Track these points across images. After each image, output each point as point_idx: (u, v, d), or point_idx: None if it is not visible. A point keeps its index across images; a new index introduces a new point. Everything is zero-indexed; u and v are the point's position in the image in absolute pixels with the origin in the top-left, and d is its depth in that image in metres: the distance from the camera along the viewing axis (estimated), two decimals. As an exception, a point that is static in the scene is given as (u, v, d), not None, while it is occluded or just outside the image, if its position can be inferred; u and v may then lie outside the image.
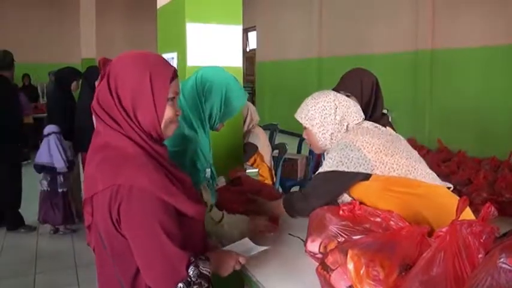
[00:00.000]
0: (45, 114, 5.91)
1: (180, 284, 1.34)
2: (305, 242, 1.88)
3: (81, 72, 5.31)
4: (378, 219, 1.69)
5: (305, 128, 2.07)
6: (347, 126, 2.01)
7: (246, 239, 1.85)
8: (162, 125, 1.42)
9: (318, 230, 1.81)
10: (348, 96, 2.47)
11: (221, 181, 2.44)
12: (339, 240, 1.70)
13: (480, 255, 1.22)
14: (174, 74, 1.45)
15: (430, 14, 8.17)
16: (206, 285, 1.39)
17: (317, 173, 2.02)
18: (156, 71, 1.39)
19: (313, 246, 1.80)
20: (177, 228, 1.37)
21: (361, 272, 1.38)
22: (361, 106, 2.46)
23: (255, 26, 14.39)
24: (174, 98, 1.45)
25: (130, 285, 1.41)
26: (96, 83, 1.46)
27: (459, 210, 1.31)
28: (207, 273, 1.39)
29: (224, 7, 2.75)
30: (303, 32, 11.91)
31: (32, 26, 13.71)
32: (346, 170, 1.89)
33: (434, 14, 8.14)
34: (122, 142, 1.38)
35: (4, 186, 4.86)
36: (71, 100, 5.15)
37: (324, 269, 1.54)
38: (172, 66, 1.48)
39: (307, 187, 2.09)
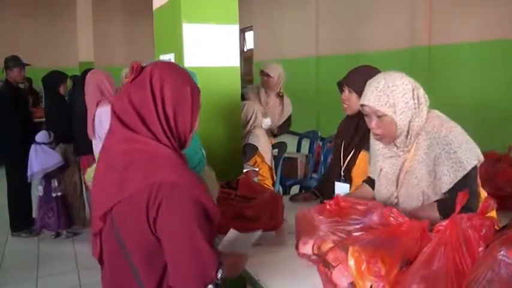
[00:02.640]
0: (43, 119, 5.92)
1: (210, 286, 1.36)
2: (296, 246, 1.87)
3: (67, 75, 5.29)
4: (361, 207, 1.72)
5: (381, 116, 1.85)
6: (424, 111, 1.88)
7: (231, 230, 1.82)
8: (191, 134, 1.50)
9: (308, 232, 1.81)
10: (349, 91, 2.48)
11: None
12: (332, 238, 1.71)
13: (480, 249, 1.23)
14: None
15: (427, 10, 8.17)
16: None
17: (466, 172, 1.80)
18: (193, 85, 1.50)
19: (306, 248, 1.81)
20: (210, 230, 1.39)
21: (362, 268, 1.38)
22: None
23: (252, 26, 14.39)
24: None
25: None
26: (120, 85, 1.46)
27: (458, 204, 1.31)
28: (223, 277, 1.40)
29: (220, 7, 2.75)
30: (300, 31, 11.91)
31: (29, 30, 13.72)
32: (481, 159, 1.85)
33: (431, 10, 8.14)
34: (150, 146, 1.39)
35: (15, 189, 4.90)
36: (62, 103, 5.15)
37: (325, 266, 1.54)
38: None
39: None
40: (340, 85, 2.52)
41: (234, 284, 2.19)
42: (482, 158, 1.87)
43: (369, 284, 1.38)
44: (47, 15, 14.10)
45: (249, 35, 14.92)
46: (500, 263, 1.14)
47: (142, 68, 1.48)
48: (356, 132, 2.51)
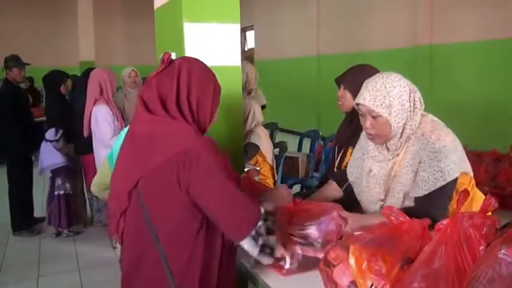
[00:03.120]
0: (44, 118, 5.93)
1: (260, 222, 1.53)
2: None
3: (68, 74, 5.30)
4: (317, 210, 1.81)
5: (376, 116, 1.83)
6: (418, 115, 1.87)
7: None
8: (209, 125, 1.67)
9: None
10: (344, 89, 2.50)
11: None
12: (283, 242, 1.76)
13: (481, 247, 1.23)
14: None
15: (428, 9, 8.17)
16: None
17: (445, 183, 1.77)
18: (216, 83, 1.68)
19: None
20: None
21: (363, 266, 1.38)
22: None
23: (253, 25, 14.38)
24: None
25: (184, 265, 1.53)
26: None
27: (460, 203, 1.31)
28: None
29: (221, 6, 2.75)
30: (301, 30, 11.90)
31: (30, 29, 13.73)
32: (467, 171, 1.83)
33: (432, 9, 8.14)
34: (172, 125, 1.54)
35: (16, 188, 4.91)
36: (63, 103, 5.15)
37: (326, 265, 1.54)
38: None
39: (433, 206, 1.78)
40: (338, 82, 2.56)
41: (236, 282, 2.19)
42: (469, 170, 1.85)
43: (369, 283, 1.37)
44: (47, 15, 14.10)
45: (250, 35, 14.92)
46: (500, 261, 1.14)
47: (172, 60, 1.63)
48: (347, 129, 2.54)
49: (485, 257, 1.18)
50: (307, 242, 1.78)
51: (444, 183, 1.77)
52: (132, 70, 5.43)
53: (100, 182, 2.72)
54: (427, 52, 8.22)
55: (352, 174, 2.16)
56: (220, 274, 1.60)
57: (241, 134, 3.11)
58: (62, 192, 4.79)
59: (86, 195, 5.13)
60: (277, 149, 4.48)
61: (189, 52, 2.69)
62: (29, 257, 4.42)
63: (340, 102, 2.55)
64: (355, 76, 2.46)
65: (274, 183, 3.83)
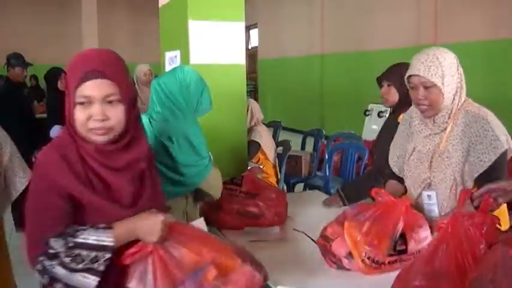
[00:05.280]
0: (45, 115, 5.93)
1: (41, 258, 1.29)
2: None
3: (63, 70, 5.30)
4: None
5: (429, 86, 1.86)
6: (464, 88, 1.93)
7: (201, 219, 1.84)
8: (78, 129, 1.45)
9: None
10: (388, 85, 2.64)
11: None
12: None
13: (482, 246, 1.24)
14: (85, 76, 1.41)
15: (432, 8, 8.15)
16: (93, 254, 1.30)
17: (501, 154, 1.80)
18: (65, 79, 1.55)
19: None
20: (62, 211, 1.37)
21: (358, 239, 1.61)
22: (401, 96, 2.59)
23: (256, 24, 14.38)
24: (83, 103, 1.43)
25: None
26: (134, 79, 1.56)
27: (461, 201, 1.32)
28: (96, 242, 1.31)
29: (226, 4, 2.76)
30: (305, 28, 11.89)
31: (34, 28, 13.76)
32: None
33: (436, 9, 8.13)
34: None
35: None
36: (63, 99, 5.16)
37: (325, 239, 1.75)
38: (84, 66, 1.43)
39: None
40: (379, 81, 2.70)
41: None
42: None
43: (364, 253, 1.60)
44: (52, 13, 14.14)
45: (254, 33, 14.91)
46: (504, 261, 1.14)
47: None
48: (392, 123, 2.57)
49: (488, 257, 1.19)
50: None
51: (503, 150, 1.80)
52: (148, 69, 5.47)
53: None
54: (432, 51, 8.20)
55: (393, 159, 2.15)
56: None
57: (245, 131, 3.13)
58: None
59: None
60: (281, 148, 4.48)
61: (194, 50, 2.71)
62: (32, 253, 4.43)
63: (385, 98, 2.67)
64: (398, 71, 2.58)
65: (277, 182, 3.85)
